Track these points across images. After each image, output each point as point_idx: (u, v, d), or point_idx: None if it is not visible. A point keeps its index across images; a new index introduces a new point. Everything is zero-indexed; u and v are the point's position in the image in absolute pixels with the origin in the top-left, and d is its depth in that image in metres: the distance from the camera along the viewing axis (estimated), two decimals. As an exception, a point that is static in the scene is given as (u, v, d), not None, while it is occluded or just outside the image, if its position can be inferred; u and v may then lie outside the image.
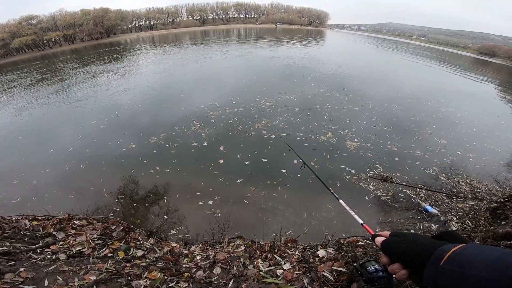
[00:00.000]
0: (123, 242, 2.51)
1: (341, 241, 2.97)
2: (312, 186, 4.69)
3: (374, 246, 3.19)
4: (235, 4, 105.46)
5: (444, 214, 3.93)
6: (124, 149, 6.03)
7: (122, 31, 71.49)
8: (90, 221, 2.81)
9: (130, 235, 2.74)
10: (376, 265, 0.92)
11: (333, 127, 7.01)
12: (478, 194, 4.47)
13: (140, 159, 5.56)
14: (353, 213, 1.25)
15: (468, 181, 4.92)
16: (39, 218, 2.75)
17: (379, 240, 0.73)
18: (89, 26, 58.37)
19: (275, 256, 2.43)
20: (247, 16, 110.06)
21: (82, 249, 2.22)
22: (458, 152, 5.84)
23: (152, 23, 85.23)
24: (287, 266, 2.21)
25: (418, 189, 4.52)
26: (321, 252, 2.49)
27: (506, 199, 4.13)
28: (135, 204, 4.26)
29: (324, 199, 4.35)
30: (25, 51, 51.23)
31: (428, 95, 11.48)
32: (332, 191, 1.86)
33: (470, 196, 4.41)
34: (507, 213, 3.80)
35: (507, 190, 4.65)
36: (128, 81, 13.15)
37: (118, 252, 2.30)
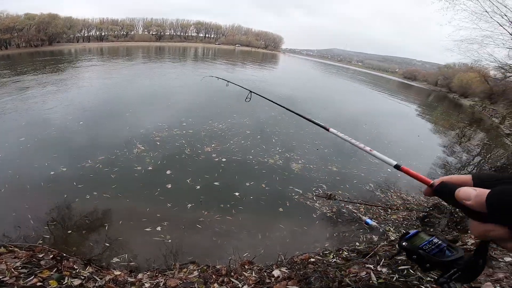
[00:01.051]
0: (54, 270, 2.24)
1: (294, 259, 3.10)
2: (264, 207, 4.82)
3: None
4: (195, 23, 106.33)
5: (383, 225, 4.35)
6: (52, 172, 5.31)
7: (67, 39, 65.49)
8: (10, 248, 2.44)
9: (63, 263, 2.45)
10: (433, 239, 0.54)
11: (280, 150, 7.31)
12: (408, 206, 5.07)
13: (74, 184, 4.97)
14: (384, 157, 0.83)
15: (399, 194, 5.56)
16: None
17: (470, 193, 0.41)
18: (30, 31, 52.22)
19: (232, 279, 2.44)
20: (207, 35, 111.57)
21: (2, 278, 1.92)
22: (388, 170, 6.65)
23: (103, 34, 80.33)
24: (245, 288, 2.24)
25: (358, 204, 4.97)
26: (276, 272, 2.58)
27: (431, 208, 4.82)
28: (69, 232, 3.79)
29: (275, 219, 4.47)
30: None
31: (364, 117, 13.08)
32: (318, 122, 1.46)
33: (402, 207, 4.98)
34: (433, 220, 4.43)
35: (430, 200, 5.25)
36: (66, 96, 11.79)
37: (50, 281, 2.04)
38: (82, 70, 21.48)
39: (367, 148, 0.77)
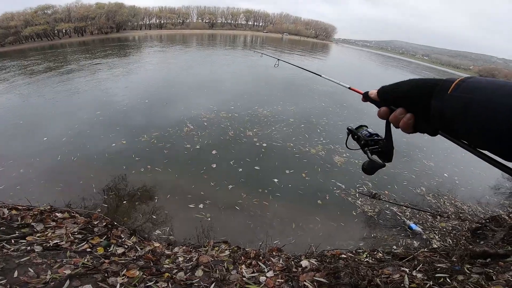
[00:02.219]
0: (104, 238, 2.50)
1: (325, 253, 2.99)
2: (302, 197, 4.72)
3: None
4: (245, 11, 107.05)
5: (427, 232, 3.98)
6: (114, 144, 6.00)
7: (132, 27, 72.04)
8: (72, 214, 2.80)
9: (113, 231, 2.73)
10: (369, 129, 0.84)
11: (323, 141, 7.05)
12: (461, 215, 4.53)
13: (133, 156, 5.55)
14: (337, 81, 1.28)
15: (453, 202, 4.98)
16: (19, 207, 2.72)
17: (373, 92, 0.68)
18: (101, 19, 58.85)
19: (259, 263, 2.45)
20: (255, 23, 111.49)
21: (59, 242, 2.21)
22: (445, 175, 5.90)
23: (162, 22, 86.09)
24: (270, 273, 2.23)
25: (404, 207, 4.56)
26: (304, 262, 2.52)
27: (487, 220, 4.20)
28: (124, 202, 4.23)
29: (312, 211, 4.37)
30: (34, 40, 51.43)
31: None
32: (311, 70, 1.98)
33: (453, 216, 4.48)
34: (487, 233, 3.86)
35: (489, 212, 4.73)
36: (131, 78, 13.25)
37: (98, 248, 2.29)
38: (146, 55, 23.64)
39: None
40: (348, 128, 0.89)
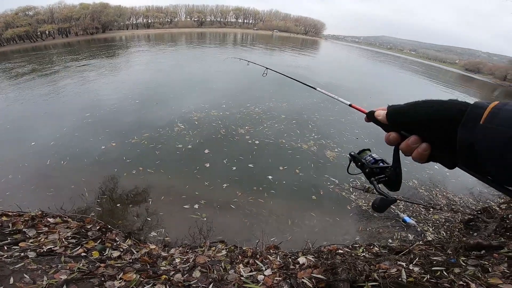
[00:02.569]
0: (98, 242, 2.46)
1: (322, 248, 3.02)
2: (297, 193, 4.75)
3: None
4: (234, 9, 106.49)
5: (421, 224, 4.05)
6: (103, 147, 5.89)
7: (118, 27, 70.75)
8: (64, 219, 2.74)
9: (107, 235, 2.69)
10: (373, 155, 0.77)
11: (315, 136, 7.10)
12: (453, 207, 4.64)
13: (124, 158, 5.47)
14: (336, 97, 1.20)
15: (445, 194, 5.09)
16: (9, 214, 2.65)
17: (380, 113, 0.58)
18: (86, 20, 57.57)
19: (257, 261, 2.45)
20: (245, 21, 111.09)
21: (53, 247, 2.17)
22: (435, 167, 6.03)
23: (149, 21, 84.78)
24: (268, 272, 2.23)
25: (398, 200, 4.64)
26: (301, 259, 2.53)
27: (479, 212, 4.31)
28: (118, 205, 4.17)
29: (307, 207, 4.40)
30: (16, 42, 49.92)
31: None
32: (306, 83, 1.81)
33: (446, 208, 4.57)
34: (479, 224, 3.96)
35: (480, 203, 4.85)
36: (120, 78, 12.99)
37: (93, 252, 2.25)
38: (134, 55, 23.21)
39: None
40: (350, 154, 0.84)
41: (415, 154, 0.51)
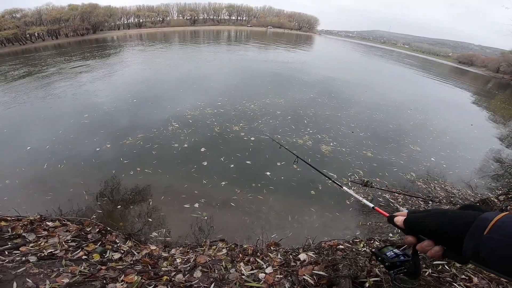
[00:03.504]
0: (98, 244, 2.45)
1: (322, 244, 3.01)
2: (296, 189, 4.76)
3: (389, 227, 3.31)
4: (227, 6, 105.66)
5: (421, 218, 4.07)
6: (98, 149, 5.84)
7: (109, 27, 69.78)
8: (63, 222, 2.71)
9: (107, 237, 2.67)
10: (395, 250, 0.84)
11: (310, 131, 7.13)
12: (452, 199, 4.67)
13: (121, 159, 5.43)
14: (361, 198, 1.26)
15: (443, 186, 5.14)
16: (8, 218, 2.62)
17: (399, 219, 0.67)
18: (75, 21, 56.67)
19: (257, 259, 2.44)
20: (239, 18, 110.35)
21: (54, 251, 2.15)
22: (432, 159, 6.09)
23: (141, 20, 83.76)
24: (269, 269, 2.22)
25: (396, 194, 4.67)
26: (302, 256, 2.52)
27: (478, 203, 4.35)
28: (119, 206, 4.14)
29: (306, 202, 4.42)
30: (5, 45, 48.97)
31: (409, 102, 11.97)
32: (333, 180, 1.95)
33: (444, 200, 4.61)
34: None
35: (479, 195, 4.90)
36: (113, 79, 12.84)
37: (93, 255, 2.23)
38: (127, 55, 22.94)
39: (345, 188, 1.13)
40: (372, 251, 0.93)
41: (429, 254, 0.58)
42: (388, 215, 0.75)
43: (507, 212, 0.49)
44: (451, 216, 0.55)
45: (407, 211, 0.68)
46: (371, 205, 1.06)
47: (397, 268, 0.80)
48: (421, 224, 0.60)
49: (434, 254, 0.57)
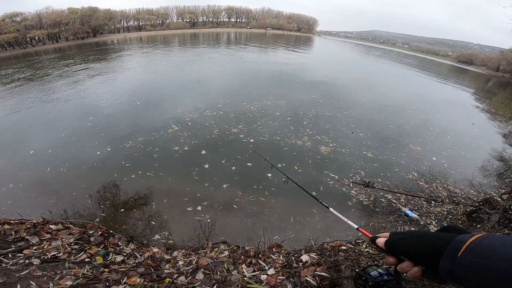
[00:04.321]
0: (101, 247, 2.45)
1: (324, 245, 3.00)
2: (297, 190, 4.73)
3: (373, 249, 3.30)
4: (226, 8, 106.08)
5: (424, 218, 4.06)
6: (98, 152, 5.85)
7: (109, 31, 70.17)
8: (66, 225, 2.72)
9: (109, 240, 2.67)
10: (379, 269, 0.89)
11: (310, 132, 7.13)
12: (455, 199, 4.64)
13: (123, 163, 5.44)
14: (346, 219, 1.28)
15: (445, 186, 5.11)
16: (12, 222, 2.63)
17: (381, 241, 0.70)
18: (75, 25, 57.00)
19: (259, 261, 2.43)
20: (238, 20, 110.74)
21: (57, 254, 2.15)
22: (433, 158, 6.07)
23: (141, 24, 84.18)
24: (271, 271, 2.21)
25: (398, 194, 4.65)
26: (304, 257, 2.51)
27: (481, 203, 4.32)
28: (122, 210, 4.16)
29: (308, 204, 4.41)
30: (6, 49, 49.27)
31: (409, 102, 11.94)
32: (320, 201, 1.92)
33: (447, 200, 4.58)
34: (482, 216, 3.96)
35: (482, 194, 4.86)
36: (115, 83, 12.90)
37: (96, 257, 2.24)
38: (127, 58, 23.04)
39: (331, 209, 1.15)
40: (356, 271, 0.97)
41: (409, 274, 0.61)
42: (371, 236, 0.77)
43: (482, 234, 0.51)
44: (428, 238, 0.58)
45: (389, 233, 0.70)
46: (356, 226, 1.10)
47: (379, 287, 0.84)
48: (401, 246, 0.63)
49: (413, 274, 0.59)
